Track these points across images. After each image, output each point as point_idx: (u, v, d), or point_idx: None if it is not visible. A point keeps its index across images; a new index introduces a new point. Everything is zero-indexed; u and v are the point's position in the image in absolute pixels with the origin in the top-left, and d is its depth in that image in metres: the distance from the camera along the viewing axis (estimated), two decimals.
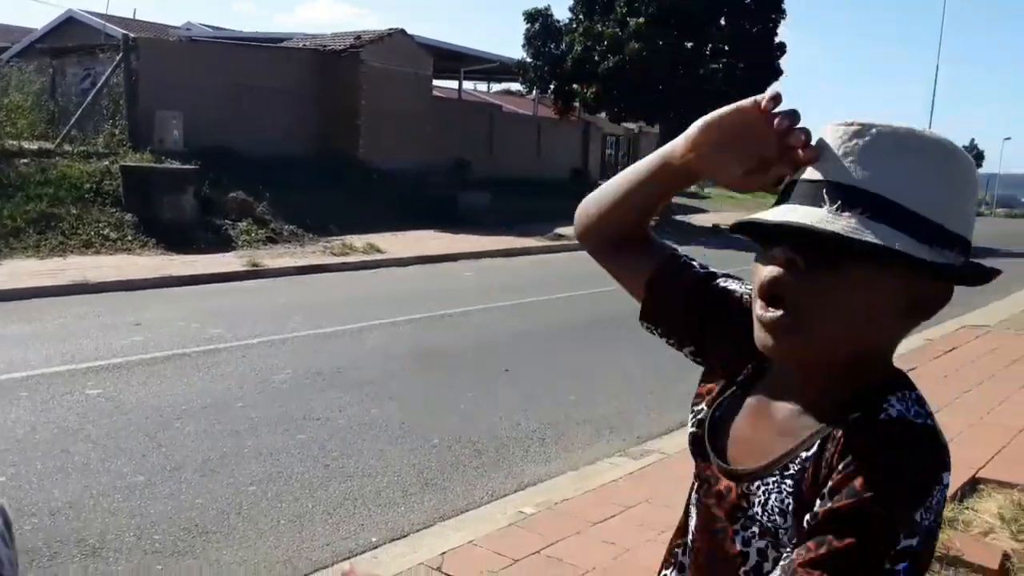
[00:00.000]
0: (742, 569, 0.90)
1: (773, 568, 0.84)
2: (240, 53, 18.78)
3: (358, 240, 14.44)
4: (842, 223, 0.79)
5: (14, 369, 6.03)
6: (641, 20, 21.14)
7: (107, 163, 14.25)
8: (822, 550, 0.75)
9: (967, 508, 3.83)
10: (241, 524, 3.78)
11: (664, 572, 1.07)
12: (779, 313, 0.84)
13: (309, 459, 4.59)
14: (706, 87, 21.29)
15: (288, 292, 10.22)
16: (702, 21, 22.23)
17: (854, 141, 0.82)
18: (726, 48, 23.17)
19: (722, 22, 23.14)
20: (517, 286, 11.37)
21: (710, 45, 23.13)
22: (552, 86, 24.69)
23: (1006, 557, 3.33)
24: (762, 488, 0.87)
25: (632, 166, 1.06)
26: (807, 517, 0.80)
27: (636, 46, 20.98)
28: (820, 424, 0.86)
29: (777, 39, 23.60)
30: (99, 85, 16.51)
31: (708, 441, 0.97)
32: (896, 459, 0.77)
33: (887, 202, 0.79)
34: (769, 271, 0.85)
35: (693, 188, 38.47)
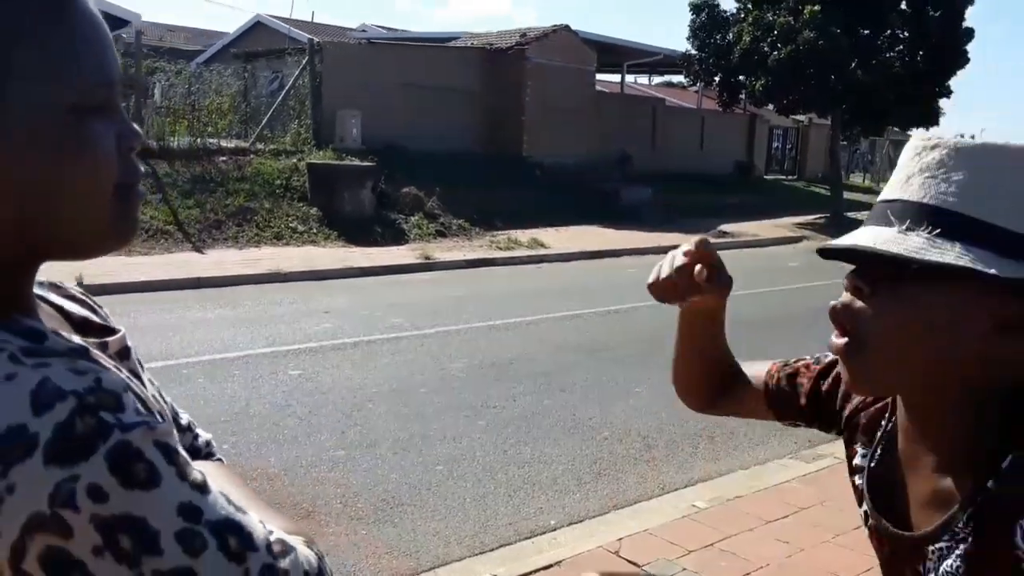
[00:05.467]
0: None
1: None
2: (412, 53, 19.67)
3: (522, 235, 14.84)
4: (909, 243, 0.76)
5: (227, 350, 6.74)
6: (816, 8, 20.31)
7: (295, 160, 15.36)
8: None
9: None
10: (432, 499, 4.13)
11: None
12: (843, 341, 0.83)
13: (488, 444, 4.90)
14: (883, 76, 20.26)
15: (459, 285, 10.71)
16: (880, 5, 21.10)
17: (928, 156, 0.79)
18: (906, 34, 21.88)
19: (902, 6, 21.86)
20: None
21: (888, 31, 21.93)
22: (717, 78, 24.16)
23: None
24: (935, 552, 0.84)
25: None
26: None
27: (810, 35, 20.19)
28: (967, 484, 0.81)
29: (965, 24, 22.04)
30: (287, 87, 17.79)
31: (872, 501, 0.93)
32: None
33: (960, 217, 0.75)
34: (836, 301, 0.84)
35: None
